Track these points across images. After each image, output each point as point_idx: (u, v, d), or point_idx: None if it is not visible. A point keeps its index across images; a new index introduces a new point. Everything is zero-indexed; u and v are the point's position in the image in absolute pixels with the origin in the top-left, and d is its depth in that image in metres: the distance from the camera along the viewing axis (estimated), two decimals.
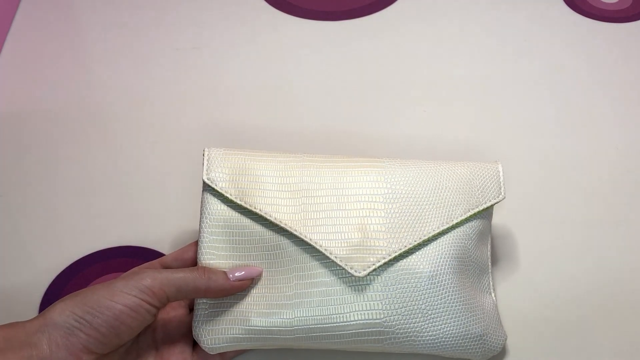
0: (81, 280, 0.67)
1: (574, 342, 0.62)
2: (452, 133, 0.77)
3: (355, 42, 0.87)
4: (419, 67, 0.84)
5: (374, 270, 0.57)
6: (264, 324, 0.57)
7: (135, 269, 0.60)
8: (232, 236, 0.60)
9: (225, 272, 0.58)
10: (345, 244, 0.58)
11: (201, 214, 0.61)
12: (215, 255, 0.60)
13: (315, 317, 0.57)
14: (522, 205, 0.71)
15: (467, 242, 0.60)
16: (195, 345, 0.60)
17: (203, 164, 0.62)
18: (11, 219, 0.72)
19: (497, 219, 0.69)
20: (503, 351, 0.61)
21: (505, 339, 0.60)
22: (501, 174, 0.63)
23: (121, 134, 0.79)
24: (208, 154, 0.63)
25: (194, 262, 0.61)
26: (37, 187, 0.75)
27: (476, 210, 0.61)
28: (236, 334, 0.58)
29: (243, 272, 0.58)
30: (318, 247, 0.58)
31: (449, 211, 0.60)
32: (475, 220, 0.61)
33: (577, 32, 0.87)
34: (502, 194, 0.62)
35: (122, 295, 0.53)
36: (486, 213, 0.62)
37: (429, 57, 0.85)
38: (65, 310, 0.53)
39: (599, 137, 0.77)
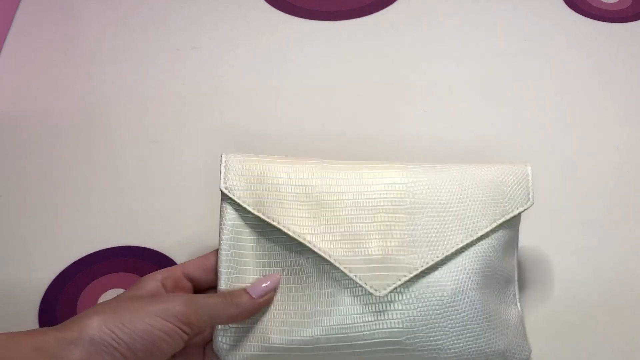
0: (81, 280, 0.67)
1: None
2: (452, 133, 0.77)
3: (355, 42, 0.87)
4: (419, 67, 0.84)
5: (395, 288, 0.56)
6: (284, 342, 0.56)
7: (158, 275, 0.58)
8: (252, 249, 0.59)
9: (248, 293, 0.57)
10: (366, 260, 0.56)
11: (220, 225, 0.60)
12: (236, 269, 0.59)
13: (335, 336, 0.56)
14: None
15: (492, 254, 0.57)
16: (205, 350, 0.59)
17: (220, 171, 0.60)
18: (11, 219, 0.72)
19: None
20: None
21: (530, 353, 0.58)
22: (530, 177, 0.59)
23: (121, 134, 0.79)
24: (225, 161, 0.60)
25: (216, 271, 0.60)
26: (37, 187, 0.75)
27: (502, 220, 0.58)
28: (256, 352, 0.57)
29: (264, 286, 0.58)
30: (337, 265, 0.56)
31: (473, 222, 0.57)
32: (501, 231, 0.58)
33: (577, 32, 0.87)
34: (531, 200, 0.59)
35: (159, 321, 0.52)
36: (513, 221, 0.59)
37: (429, 57, 0.85)
38: (102, 327, 0.51)
39: (599, 137, 0.77)
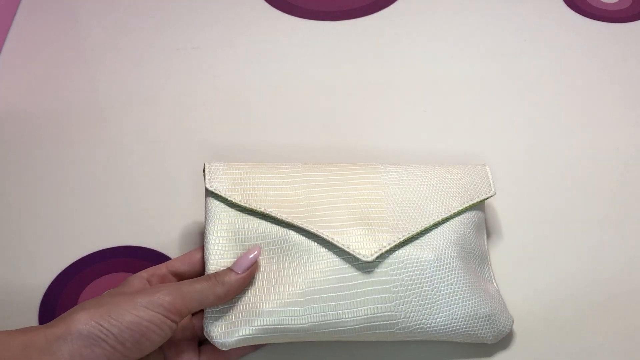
0: (81, 280, 0.67)
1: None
2: (452, 133, 0.77)
3: (355, 42, 0.87)
4: (419, 67, 0.84)
5: (380, 256, 0.59)
6: (277, 318, 0.57)
7: (143, 273, 0.60)
8: (239, 239, 0.61)
9: (232, 270, 0.58)
10: (351, 234, 0.59)
11: (206, 220, 0.62)
12: (223, 259, 0.60)
13: (327, 305, 0.58)
14: (522, 205, 0.71)
15: (466, 231, 0.62)
16: (200, 349, 0.60)
17: (204, 176, 0.63)
18: (11, 219, 0.72)
19: (495, 219, 0.69)
20: (511, 335, 0.62)
21: (513, 322, 0.61)
22: (489, 173, 0.66)
23: (121, 134, 0.79)
24: (209, 168, 0.64)
25: (202, 264, 0.61)
26: (37, 187, 0.75)
27: (470, 202, 0.63)
28: (250, 328, 0.57)
29: (250, 258, 0.58)
30: (325, 237, 0.59)
31: (445, 203, 0.63)
32: (470, 212, 0.63)
33: (577, 32, 0.87)
34: (493, 190, 0.65)
35: (146, 312, 0.53)
36: (480, 207, 0.65)
37: (429, 57, 0.85)
38: (90, 320, 0.52)
39: (599, 137, 0.77)
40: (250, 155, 0.75)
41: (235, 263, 0.58)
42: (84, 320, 0.52)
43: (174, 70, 0.85)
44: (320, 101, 0.81)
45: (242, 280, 0.58)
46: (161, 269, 0.61)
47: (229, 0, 0.93)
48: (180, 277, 0.61)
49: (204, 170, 0.64)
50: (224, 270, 0.58)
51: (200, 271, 0.61)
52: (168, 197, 0.73)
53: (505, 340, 0.61)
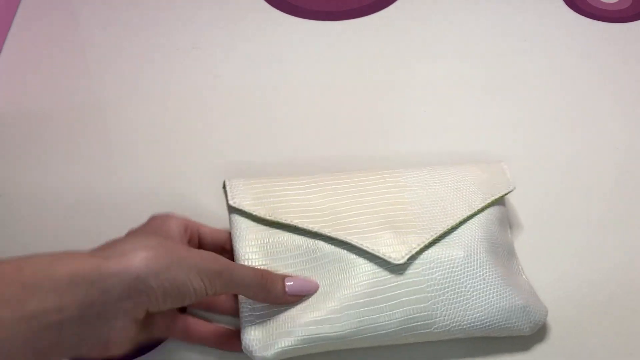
0: None
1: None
2: (452, 133, 0.77)
3: (355, 43, 0.87)
4: (419, 67, 0.84)
5: (411, 258, 0.59)
6: (315, 328, 0.57)
7: (181, 220, 0.58)
8: (268, 254, 0.60)
9: (284, 283, 0.58)
10: (380, 239, 0.60)
11: (233, 237, 0.61)
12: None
13: (364, 311, 0.57)
14: (521, 205, 0.71)
15: (491, 226, 0.63)
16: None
17: (226, 193, 0.63)
18: (11, 219, 0.72)
19: None
20: (545, 328, 0.62)
21: (547, 313, 0.61)
22: (506, 170, 0.67)
23: (121, 134, 0.79)
24: (230, 184, 0.63)
25: (224, 248, 0.62)
26: (37, 187, 0.75)
27: (492, 198, 0.64)
28: (289, 340, 0.57)
29: (300, 287, 0.58)
30: (354, 243, 0.59)
31: (469, 201, 0.63)
32: (493, 208, 0.64)
33: (577, 32, 0.87)
34: (512, 185, 0.66)
35: (196, 277, 0.51)
36: (501, 202, 0.66)
37: (429, 57, 0.85)
38: (151, 267, 0.49)
39: (599, 137, 0.77)
40: (250, 154, 0.75)
41: (290, 280, 0.58)
42: (144, 264, 0.49)
43: (174, 70, 0.85)
44: (320, 100, 0.81)
45: (284, 300, 0.58)
46: (194, 227, 0.60)
47: (229, 0, 0.93)
48: (203, 247, 0.61)
49: (224, 187, 0.64)
50: (275, 277, 0.58)
51: (220, 252, 0.60)
52: (167, 197, 0.73)
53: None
